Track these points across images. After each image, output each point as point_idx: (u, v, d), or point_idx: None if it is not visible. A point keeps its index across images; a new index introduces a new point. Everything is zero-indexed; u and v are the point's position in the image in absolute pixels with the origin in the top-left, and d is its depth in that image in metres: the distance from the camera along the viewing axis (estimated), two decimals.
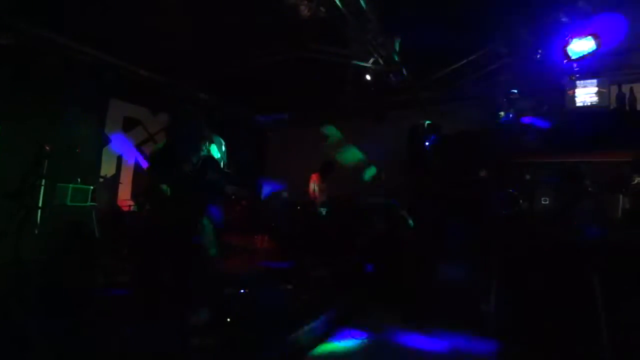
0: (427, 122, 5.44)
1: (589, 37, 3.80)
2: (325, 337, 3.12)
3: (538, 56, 4.44)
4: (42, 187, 4.35)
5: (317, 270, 4.71)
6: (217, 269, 3.15)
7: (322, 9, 3.75)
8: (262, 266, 4.80)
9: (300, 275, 4.45)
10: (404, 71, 5.18)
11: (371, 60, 4.89)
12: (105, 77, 5.24)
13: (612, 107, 4.27)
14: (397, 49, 4.63)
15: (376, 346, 3.06)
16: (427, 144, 5.18)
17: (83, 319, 2.91)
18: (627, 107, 4.20)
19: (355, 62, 4.95)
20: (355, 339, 3.16)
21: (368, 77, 5.16)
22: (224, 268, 3.84)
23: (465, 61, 4.84)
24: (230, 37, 4.59)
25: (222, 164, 3.09)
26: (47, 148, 4.21)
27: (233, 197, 5.87)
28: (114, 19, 4.24)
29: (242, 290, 3.69)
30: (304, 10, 3.74)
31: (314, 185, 5.95)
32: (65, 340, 2.55)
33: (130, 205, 5.50)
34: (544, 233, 3.40)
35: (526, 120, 4.69)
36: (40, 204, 4.32)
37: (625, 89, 4.24)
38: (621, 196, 3.36)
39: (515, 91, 4.76)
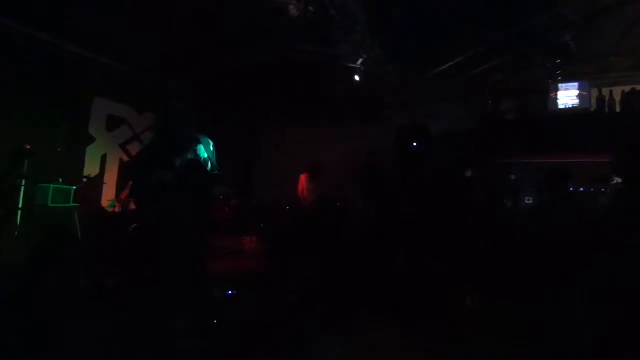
0: (415, 122, 5.51)
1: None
2: (310, 339, 3.10)
3: (522, 59, 4.55)
4: (23, 188, 4.21)
5: (305, 271, 4.70)
6: (203, 270, 3.11)
7: (310, 9, 3.75)
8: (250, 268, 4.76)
9: (288, 276, 4.43)
10: (392, 72, 5.23)
11: (360, 61, 4.92)
12: (89, 75, 5.12)
13: (592, 110, 4.40)
14: (385, 50, 4.67)
15: (362, 348, 3.07)
16: (414, 144, 5.24)
17: (66, 322, 2.84)
18: (607, 110, 4.34)
19: (344, 63, 4.97)
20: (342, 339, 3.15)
21: (357, 77, 5.18)
22: (212, 269, 3.79)
23: (451, 63, 4.91)
24: (218, 36, 4.55)
25: (209, 164, 3.05)
26: (28, 147, 4.09)
27: (221, 197, 5.80)
28: (99, 15, 4.15)
29: (229, 292, 3.65)
30: (293, 11, 3.73)
31: (303, 186, 5.95)
32: (46, 344, 2.49)
33: (114, 207, 5.38)
34: (528, 232, 3.48)
35: (511, 121, 4.79)
36: (20, 205, 4.19)
37: (605, 92, 4.39)
38: (601, 196, 3.47)
39: (500, 93, 4.87)
